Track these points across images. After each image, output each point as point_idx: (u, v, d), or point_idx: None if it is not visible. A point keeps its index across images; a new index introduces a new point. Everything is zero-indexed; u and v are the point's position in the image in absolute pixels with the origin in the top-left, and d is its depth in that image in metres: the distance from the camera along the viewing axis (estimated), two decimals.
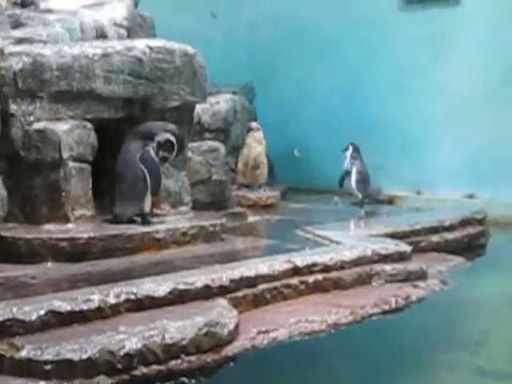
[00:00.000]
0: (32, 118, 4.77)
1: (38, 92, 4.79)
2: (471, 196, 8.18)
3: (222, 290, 3.65)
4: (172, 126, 5.09)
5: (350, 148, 7.96)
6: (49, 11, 6.56)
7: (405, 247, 4.87)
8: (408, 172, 8.63)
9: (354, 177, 7.72)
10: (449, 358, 3.71)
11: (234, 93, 8.18)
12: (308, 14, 9.26)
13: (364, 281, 4.40)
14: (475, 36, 8.19)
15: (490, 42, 8.11)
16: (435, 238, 5.73)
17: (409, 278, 4.54)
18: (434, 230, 5.82)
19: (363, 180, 7.71)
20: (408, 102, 8.62)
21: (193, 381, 3.02)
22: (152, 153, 4.98)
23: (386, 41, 8.78)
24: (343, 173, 7.91)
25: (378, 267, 4.51)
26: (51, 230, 4.55)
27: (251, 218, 6.38)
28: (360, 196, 7.66)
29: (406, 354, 3.85)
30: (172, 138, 5.03)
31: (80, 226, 4.68)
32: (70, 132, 4.79)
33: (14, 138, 4.73)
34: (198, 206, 5.74)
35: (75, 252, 4.31)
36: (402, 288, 4.35)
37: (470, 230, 6.24)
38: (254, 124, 7.86)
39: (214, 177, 6.26)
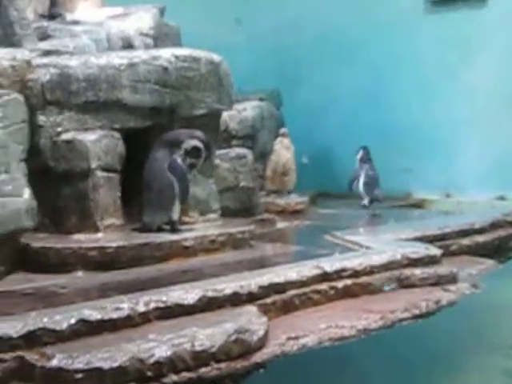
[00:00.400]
0: (60, 129, 4.81)
1: (65, 103, 4.83)
2: (502, 198, 8.11)
3: (251, 297, 3.65)
4: (198, 133, 5.12)
5: (361, 152, 7.96)
6: (75, 23, 6.63)
7: (435, 251, 4.83)
8: (437, 175, 8.58)
9: (361, 180, 7.71)
10: (481, 361, 3.69)
11: (261, 99, 8.20)
12: (333, 18, 9.24)
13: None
14: (502, 37, 8.16)
15: None
16: (465, 241, 5.67)
17: (439, 281, 4.50)
18: (465, 233, 5.77)
19: (371, 183, 7.67)
20: (435, 105, 8.58)
21: None
22: (179, 161, 5.01)
23: (412, 44, 8.75)
24: (353, 176, 7.91)
25: (408, 271, 4.47)
26: (81, 240, 4.58)
27: (280, 224, 6.39)
28: (367, 199, 7.65)
29: (437, 359, 3.82)
30: (199, 145, 5.05)
31: (109, 235, 4.71)
32: (97, 142, 4.83)
33: (43, 149, 4.76)
34: (226, 213, 5.75)
35: (104, 261, 4.33)
36: (432, 292, 4.31)
37: (501, 232, 6.19)
38: (283, 130, 7.87)
39: (242, 183, 6.27)
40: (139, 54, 5.31)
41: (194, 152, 5.04)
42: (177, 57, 5.29)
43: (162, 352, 2.95)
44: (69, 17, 6.86)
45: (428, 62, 8.69)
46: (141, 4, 7.31)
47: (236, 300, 3.58)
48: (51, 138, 4.78)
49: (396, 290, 4.34)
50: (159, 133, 5.14)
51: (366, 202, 7.68)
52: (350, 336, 3.59)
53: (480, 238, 5.84)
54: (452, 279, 4.58)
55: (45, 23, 6.29)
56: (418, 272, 4.50)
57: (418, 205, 8.52)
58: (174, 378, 2.94)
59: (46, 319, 3.05)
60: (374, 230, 5.75)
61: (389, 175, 8.63)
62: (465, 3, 8.50)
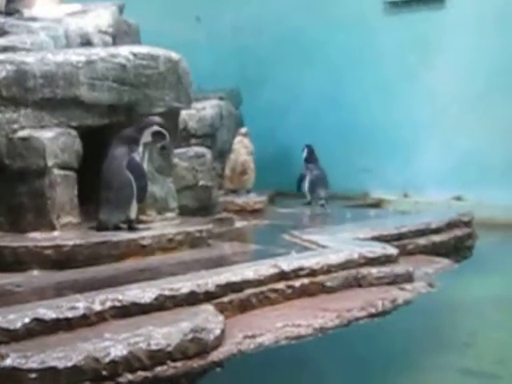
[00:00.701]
0: (16, 126, 4.76)
1: (21, 100, 4.79)
2: (458, 198, 8.22)
3: (208, 296, 3.64)
4: (152, 120, 5.11)
5: (305, 150, 8.02)
6: (33, 19, 6.57)
7: (391, 250, 4.85)
8: (395, 175, 8.68)
9: (307, 178, 7.76)
10: (436, 359, 3.74)
11: (221, 98, 8.23)
12: (293, 18, 9.32)
13: (351, 284, 4.40)
14: (460, 39, 8.27)
15: (477, 45, 8.17)
16: (422, 241, 5.71)
17: (396, 280, 4.52)
18: (421, 233, 5.81)
19: (316, 182, 7.71)
20: (395, 106, 8.67)
21: None
22: (138, 158, 4.99)
23: (371, 45, 8.85)
24: (300, 176, 7.96)
25: (364, 270, 4.49)
26: (37, 238, 4.55)
27: (238, 224, 6.39)
28: (309, 197, 7.71)
29: (393, 357, 3.87)
30: (158, 129, 5.06)
31: (66, 234, 4.67)
32: (54, 139, 4.79)
33: None
34: (184, 212, 5.75)
35: (61, 259, 4.30)
36: (388, 291, 4.33)
37: (457, 232, 6.24)
38: (243, 129, 7.88)
39: (201, 182, 6.26)
40: (97, 52, 5.28)
41: (158, 136, 5.06)
42: (135, 54, 5.28)
43: (117, 351, 2.93)
44: (26, 13, 6.80)
45: (388, 63, 8.79)
46: (100, 1, 7.27)
47: (193, 299, 3.57)
48: (7, 136, 4.73)
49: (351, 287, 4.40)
50: (117, 131, 5.11)
51: (308, 199, 7.74)
52: (306, 335, 3.60)
53: (436, 238, 5.88)
54: (408, 278, 4.61)
55: (1, 19, 6.22)
56: (374, 271, 4.52)
57: (376, 204, 8.61)
58: (130, 377, 2.93)
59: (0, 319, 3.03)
60: (332, 229, 5.76)
61: (348, 175, 8.79)
62: (423, 4, 8.61)
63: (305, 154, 8.05)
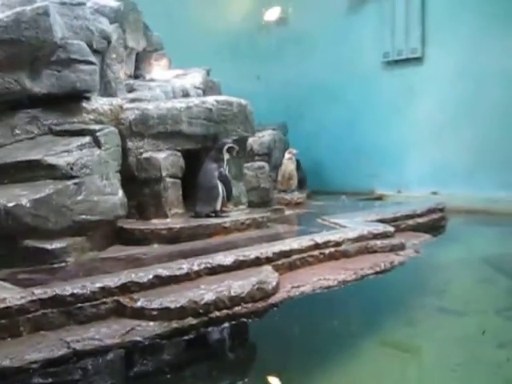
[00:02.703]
0: (142, 150, 4.84)
1: (145, 133, 4.86)
2: (435, 193, 8.07)
3: (268, 260, 3.67)
4: (224, 141, 5.15)
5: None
6: (152, 80, 6.68)
7: (390, 228, 4.82)
8: (392, 178, 8.60)
9: None
10: (421, 301, 3.69)
11: (274, 129, 8.22)
12: (322, 73, 9.27)
13: (363, 251, 4.38)
14: (434, 85, 8.19)
15: (445, 89, 8.07)
16: (410, 222, 5.66)
17: (393, 249, 4.50)
18: (410, 217, 5.74)
19: None
20: (391, 131, 8.58)
21: (249, 320, 3.05)
22: (225, 171, 5.04)
23: (375, 90, 8.76)
24: None
25: (372, 242, 4.48)
26: (156, 223, 4.61)
27: (287, 212, 6.37)
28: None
29: (391, 299, 3.84)
30: (230, 144, 5.10)
31: (174, 220, 4.73)
32: (166, 158, 4.86)
33: (131, 164, 4.80)
34: (251, 205, 5.77)
35: (171, 237, 4.35)
36: (388, 256, 4.31)
37: (434, 216, 6.17)
38: (290, 149, 7.86)
39: (262, 185, 6.26)
40: (193, 100, 5.34)
41: (232, 150, 5.11)
42: (218, 101, 5.32)
43: (209, 296, 2.99)
44: (147, 76, 6.91)
45: (385, 102, 8.69)
46: (194, 67, 7.34)
47: (258, 262, 3.60)
48: (136, 157, 4.81)
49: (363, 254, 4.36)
50: (207, 152, 5.15)
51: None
52: (333, 285, 3.61)
53: (420, 220, 5.82)
54: (401, 247, 4.58)
55: (131, 81, 6.34)
56: (378, 242, 4.51)
57: (379, 198, 8.50)
58: (217, 314, 2.98)
59: (133, 275, 3.10)
60: (349, 215, 5.72)
61: (359, 178, 8.79)
62: (408, 63, 8.49)
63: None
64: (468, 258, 4.98)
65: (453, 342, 2.98)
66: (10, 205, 3.50)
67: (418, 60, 8.44)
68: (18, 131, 4.32)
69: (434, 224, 6.00)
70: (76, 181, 3.90)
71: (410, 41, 8.43)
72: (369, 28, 8.91)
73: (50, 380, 2.38)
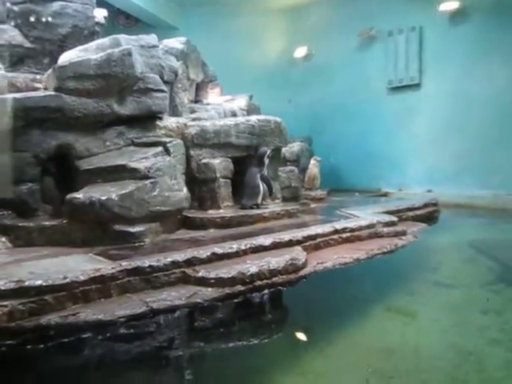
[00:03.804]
0: (201, 157, 4.85)
1: (203, 144, 4.87)
2: (429, 191, 7.91)
3: (298, 242, 3.65)
4: (262, 149, 5.10)
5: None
6: (208, 104, 6.71)
7: (394, 218, 4.74)
8: (395, 179, 8.48)
9: None
10: (419, 276, 3.61)
11: (301, 141, 8.13)
12: (340, 96, 9.21)
13: (372, 236, 4.31)
14: (429, 105, 8.08)
15: (438, 109, 7.96)
16: (410, 213, 5.53)
17: (397, 234, 4.42)
18: (410, 209, 5.63)
19: None
20: (394, 142, 8.47)
21: (284, 288, 3.04)
22: (266, 173, 5.05)
23: (381, 110, 8.67)
24: None
25: (380, 229, 4.41)
26: (212, 213, 4.61)
27: (312, 205, 6.33)
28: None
29: (395, 274, 3.77)
30: (268, 151, 5.07)
31: (226, 211, 4.72)
32: (220, 163, 4.86)
33: (193, 168, 4.82)
34: (284, 200, 5.72)
35: (224, 224, 4.35)
36: (393, 240, 4.23)
37: (429, 209, 6.03)
38: (316, 157, 7.79)
39: (293, 184, 6.22)
40: (240, 119, 5.33)
41: (269, 155, 5.09)
42: (259, 119, 5.29)
43: (253, 269, 3.00)
44: (204, 101, 6.95)
45: (390, 120, 8.59)
46: (240, 94, 7.35)
47: (290, 243, 3.58)
48: (197, 162, 4.83)
49: (373, 238, 4.30)
50: (250, 158, 5.13)
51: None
52: (349, 262, 3.56)
53: (418, 212, 5.69)
54: (403, 233, 4.49)
55: (193, 104, 6.39)
56: (385, 229, 4.44)
57: (385, 195, 8.38)
58: (260, 282, 2.98)
59: (195, 252, 3.12)
60: (361, 207, 5.65)
61: (369, 179, 8.67)
62: (408, 88, 8.38)
63: None
64: (457, 242, 4.85)
65: (445, 309, 2.91)
66: (103, 198, 3.59)
67: (416, 86, 8.30)
68: (108, 143, 4.40)
69: (429, 215, 5.86)
70: (152, 180, 3.95)
71: (410, 71, 8.30)
72: (376, 61, 8.79)
73: (132, 330, 2.43)
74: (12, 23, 5.81)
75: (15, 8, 5.83)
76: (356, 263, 3.57)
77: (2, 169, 3.92)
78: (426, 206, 6.00)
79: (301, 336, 2.54)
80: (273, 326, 2.69)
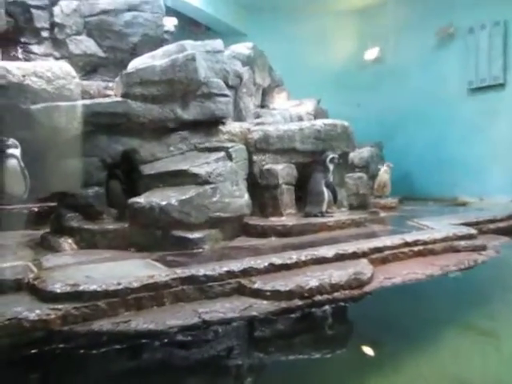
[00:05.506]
0: (264, 163, 4.75)
1: (266, 149, 4.77)
2: None
3: (364, 254, 3.40)
4: (326, 153, 4.84)
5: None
6: (273, 109, 6.63)
7: (472, 231, 4.29)
8: (474, 187, 7.88)
9: None
10: (502, 296, 3.21)
11: (371, 146, 7.84)
12: (411, 100, 8.81)
13: (448, 250, 3.92)
14: None
15: None
16: (491, 226, 5.02)
17: (476, 249, 4.00)
18: (491, 221, 5.11)
19: None
20: (472, 147, 7.90)
21: (346, 304, 2.81)
22: (331, 180, 4.81)
23: (459, 113, 8.16)
24: None
25: (456, 243, 4.01)
26: (273, 221, 4.48)
27: (382, 214, 5.99)
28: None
29: (474, 293, 3.39)
30: (331, 156, 4.81)
31: (288, 218, 4.57)
32: (283, 169, 4.72)
33: (255, 173, 4.72)
34: (352, 208, 5.47)
35: (285, 232, 4.20)
36: (471, 255, 3.83)
37: None
38: (387, 163, 7.43)
39: (361, 191, 5.95)
40: (305, 124, 5.14)
41: (335, 160, 4.81)
42: (325, 124, 5.09)
43: (313, 282, 2.80)
44: (271, 106, 6.88)
45: (468, 123, 8.04)
46: (307, 98, 7.19)
47: (355, 255, 3.35)
48: (259, 168, 4.73)
49: (448, 252, 3.90)
50: (315, 165, 4.92)
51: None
52: (421, 279, 3.25)
53: (500, 224, 5.15)
54: (483, 248, 4.05)
55: (258, 109, 6.33)
56: (462, 243, 4.03)
57: (463, 204, 7.79)
58: (320, 297, 2.78)
59: (252, 262, 2.99)
60: (436, 218, 5.22)
61: (444, 187, 8.17)
62: (491, 89, 7.79)
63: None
64: None
65: None
66: (163, 203, 3.58)
67: (500, 86, 7.68)
68: (172, 148, 4.43)
69: None
70: (212, 186, 3.89)
71: (493, 70, 7.69)
72: (454, 61, 8.28)
73: (185, 339, 2.33)
74: (87, 34, 6.12)
75: (90, 19, 6.12)
76: (429, 280, 3.24)
77: (72, 172, 4.04)
78: (509, 217, 5.42)
79: (364, 361, 2.30)
80: (332, 346, 2.46)
